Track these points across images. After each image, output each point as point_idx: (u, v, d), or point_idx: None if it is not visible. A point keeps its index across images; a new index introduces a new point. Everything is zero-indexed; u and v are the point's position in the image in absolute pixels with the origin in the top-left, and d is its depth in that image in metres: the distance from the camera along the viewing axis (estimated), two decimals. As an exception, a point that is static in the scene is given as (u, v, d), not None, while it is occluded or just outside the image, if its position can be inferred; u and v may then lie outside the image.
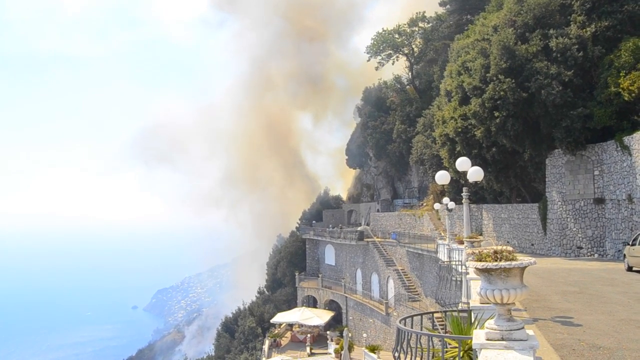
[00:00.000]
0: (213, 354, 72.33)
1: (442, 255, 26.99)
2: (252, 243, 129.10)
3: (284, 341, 49.98)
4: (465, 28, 43.46)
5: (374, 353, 34.86)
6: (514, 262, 4.45)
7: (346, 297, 50.52)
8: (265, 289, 74.16)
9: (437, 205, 34.60)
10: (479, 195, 37.61)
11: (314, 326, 47.86)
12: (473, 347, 5.07)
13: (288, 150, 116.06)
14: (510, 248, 4.81)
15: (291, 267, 63.51)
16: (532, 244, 31.40)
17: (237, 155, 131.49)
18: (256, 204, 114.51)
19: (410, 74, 59.27)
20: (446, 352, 6.67)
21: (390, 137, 55.14)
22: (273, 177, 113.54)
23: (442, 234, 35.57)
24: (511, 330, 4.44)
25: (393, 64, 58.98)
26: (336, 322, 50.47)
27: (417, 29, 55.92)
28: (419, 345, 7.29)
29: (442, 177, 17.37)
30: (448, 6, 52.31)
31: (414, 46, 57.38)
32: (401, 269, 43.06)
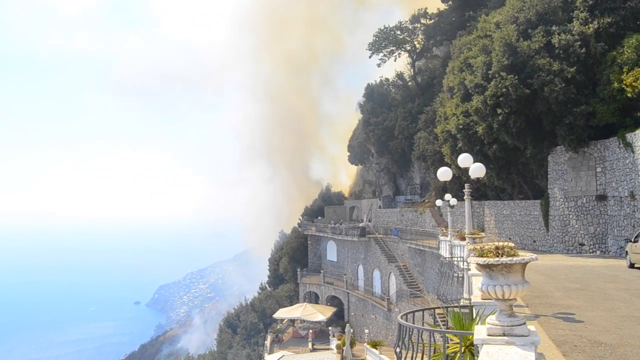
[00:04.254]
0: (215, 349, 72.66)
1: (444, 252, 27.01)
2: (254, 240, 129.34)
3: (286, 337, 50.13)
4: (468, 24, 43.34)
5: (376, 349, 34.94)
6: (515, 258, 4.47)
7: (348, 293, 50.61)
8: (267, 285, 74.39)
9: (438, 202, 34.61)
10: (481, 191, 37.60)
11: (316, 322, 47.96)
12: (475, 343, 5.10)
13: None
14: (511, 244, 4.83)
15: (293, 263, 63.59)
16: (534, 241, 31.40)
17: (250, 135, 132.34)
18: (261, 197, 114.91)
19: (412, 70, 59.16)
20: (448, 347, 6.70)
21: (392, 134, 55.06)
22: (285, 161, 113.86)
23: (444, 231, 35.58)
24: (513, 325, 4.46)
25: (395, 60, 58.85)
26: (338, 318, 50.57)
27: (419, 25, 55.70)
28: (420, 341, 7.32)
29: (444, 174, 17.37)
30: (450, 2, 52.14)
31: (415, 42, 57.21)
32: (403, 265, 43.10)
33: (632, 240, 19.29)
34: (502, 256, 4.52)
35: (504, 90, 27.77)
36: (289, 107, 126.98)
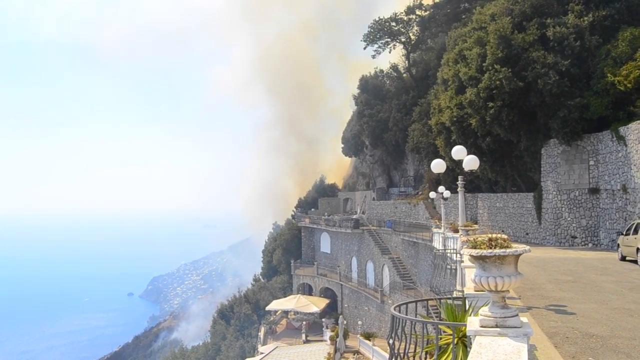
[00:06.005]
0: (209, 340, 72.77)
1: (437, 244, 27.11)
2: (246, 231, 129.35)
3: (280, 328, 50.28)
4: (463, 16, 43.26)
5: (369, 340, 35.15)
6: (508, 250, 4.46)
7: (341, 284, 50.74)
8: (261, 277, 74.50)
9: (432, 194, 34.67)
10: (475, 184, 37.69)
11: (310, 314, 48.11)
12: (467, 334, 5.10)
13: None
14: (505, 236, 4.82)
15: (287, 254, 63.68)
16: (527, 233, 31.55)
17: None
18: (257, 186, 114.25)
19: (407, 62, 59.02)
20: (440, 339, 6.71)
21: (387, 126, 55.03)
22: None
23: (438, 223, 35.67)
24: (505, 317, 4.46)
25: (390, 52, 58.67)
26: (331, 310, 50.74)
27: (414, 16, 55.50)
28: (413, 332, 7.33)
29: (438, 166, 17.37)
30: (445, -6, 51.94)
31: (410, 34, 57.03)
32: (396, 257, 43.23)
33: (624, 233, 19.40)
34: (495, 248, 4.51)
35: (497, 82, 27.76)
36: (291, 78, 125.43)
